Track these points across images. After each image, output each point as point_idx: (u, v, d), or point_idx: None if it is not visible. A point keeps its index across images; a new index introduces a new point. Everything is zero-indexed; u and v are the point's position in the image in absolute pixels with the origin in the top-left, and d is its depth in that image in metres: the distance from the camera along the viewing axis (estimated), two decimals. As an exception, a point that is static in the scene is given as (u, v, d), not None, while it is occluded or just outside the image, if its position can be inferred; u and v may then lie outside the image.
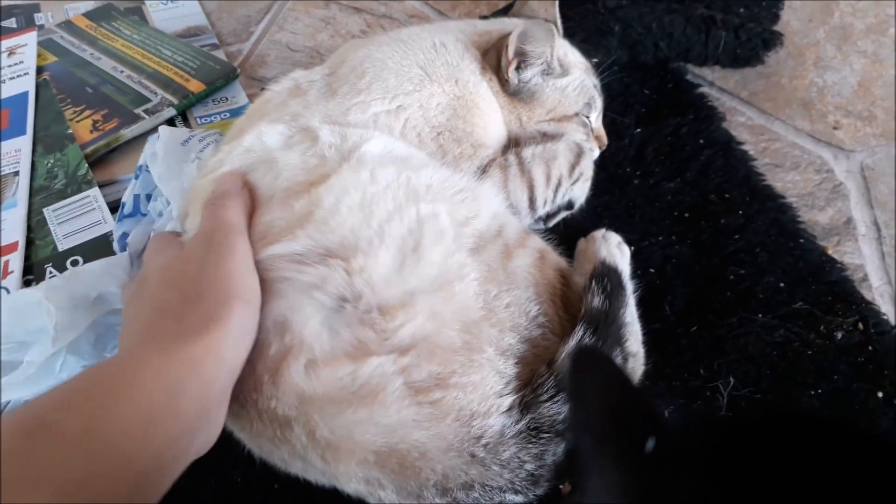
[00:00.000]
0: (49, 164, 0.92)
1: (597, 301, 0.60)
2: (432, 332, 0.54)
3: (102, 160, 0.95)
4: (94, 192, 0.88)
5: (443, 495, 0.52)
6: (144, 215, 0.78)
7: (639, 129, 0.96)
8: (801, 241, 0.82)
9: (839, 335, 0.74)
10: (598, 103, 0.84)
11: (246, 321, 0.51)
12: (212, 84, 1.04)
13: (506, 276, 0.58)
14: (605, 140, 0.86)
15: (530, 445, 0.52)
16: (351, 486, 0.54)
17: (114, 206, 0.86)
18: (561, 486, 0.55)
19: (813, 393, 0.70)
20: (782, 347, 0.73)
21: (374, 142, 0.63)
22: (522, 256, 0.61)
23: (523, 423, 0.53)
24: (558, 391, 0.53)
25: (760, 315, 0.76)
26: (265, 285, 0.54)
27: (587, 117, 0.82)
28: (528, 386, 0.55)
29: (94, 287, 0.68)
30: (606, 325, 0.58)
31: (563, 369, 0.54)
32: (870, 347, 0.73)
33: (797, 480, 0.27)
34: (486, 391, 0.53)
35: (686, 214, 0.86)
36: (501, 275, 0.58)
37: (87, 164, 0.91)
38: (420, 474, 0.51)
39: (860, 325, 0.74)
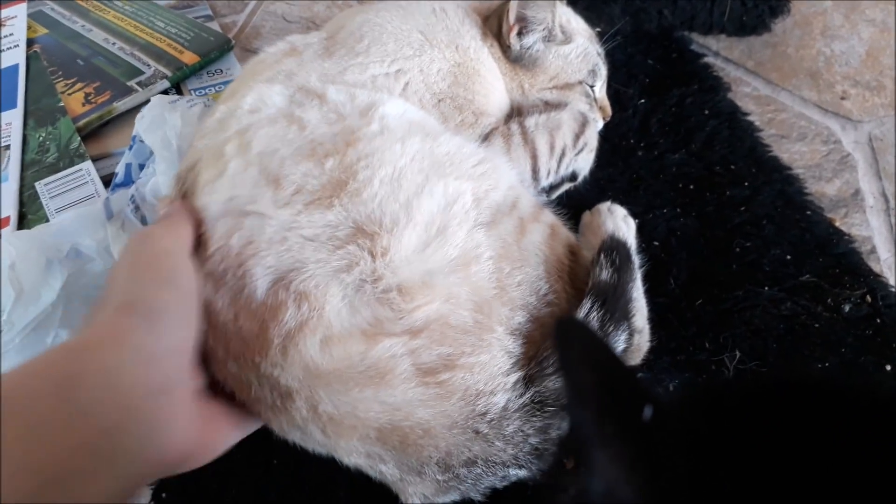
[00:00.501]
0: (41, 138, 0.90)
1: (605, 274, 0.58)
2: (446, 314, 0.52)
3: (95, 133, 0.93)
4: (87, 165, 0.86)
5: (444, 472, 0.51)
6: (136, 183, 0.77)
7: (643, 100, 0.94)
8: (808, 213, 0.81)
9: (847, 308, 0.72)
10: (603, 72, 0.82)
11: (170, 305, 0.48)
12: (206, 56, 1.02)
13: (519, 253, 0.57)
14: (608, 111, 0.84)
15: (534, 419, 0.52)
16: (351, 460, 0.53)
17: (107, 180, 0.84)
18: (565, 461, 0.54)
19: (820, 366, 0.69)
20: (789, 320, 0.72)
21: (391, 104, 0.62)
22: (535, 232, 0.59)
23: (527, 396, 0.52)
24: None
25: (767, 288, 0.74)
26: (293, 245, 0.52)
27: (591, 86, 0.80)
28: (534, 360, 0.54)
29: (66, 238, 0.67)
30: (615, 298, 0.57)
31: None
32: (878, 320, 0.71)
33: (805, 445, 0.26)
34: (494, 371, 0.52)
35: (691, 186, 0.85)
36: (515, 252, 0.57)
37: (79, 138, 0.89)
38: (422, 452, 0.51)
39: (868, 298, 0.73)
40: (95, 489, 0.39)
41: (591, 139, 0.78)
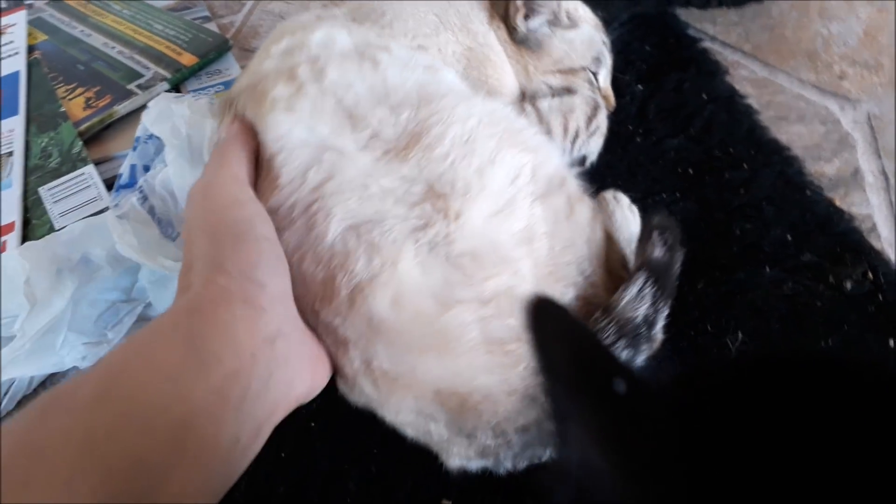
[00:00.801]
0: (43, 144, 0.91)
1: (658, 252, 0.58)
2: (513, 286, 0.53)
3: (97, 137, 0.94)
4: (89, 169, 0.87)
5: (497, 437, 0.52)
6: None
7: (640, 86, 0.94)
8: (808, 192, 0.81)
9: (849, 286, 0.72)
10: (607, 61, 0.82)
11: (257, 257, 0.49)
12: (204, 57, 1.02)
13: (569, 231, 0.58)
14: (612, 101, 0.84)
15: None
16: (398, 417, 0.54)
17: (109, 183, 0.85)
18: None
19: (823, 344, 0.69)
20: (791, 300, 0.72)
21: (446, 71, 0.63)
22: (582, 212, 0.60)
23: None
24: (619, 336, 0.53)
25: (768, 269, 0.74)
26: (374, 193, 0.52)
27: (594, 74, 0.80)
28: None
29: (76, 248, 0.68)
30: (667, 276, 0.57)
31: (624, 316, 0.54)
32: (880, 297, 0.71)
33: (796, 419, 0.26)
34: None
35: (690, 171, 0.85)
36: (565, 230, 0.58)
37: (81, 142, 0.90)
38: (481, 416, 0.51)
39: (870, 275, 0.73)
40: (227, 430, 0.42)
41: (602, 123, 0.79)
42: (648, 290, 0.55)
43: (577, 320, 0.31)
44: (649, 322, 0.55)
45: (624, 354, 0.53)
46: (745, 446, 0.25)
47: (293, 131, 0.55)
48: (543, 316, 0.31)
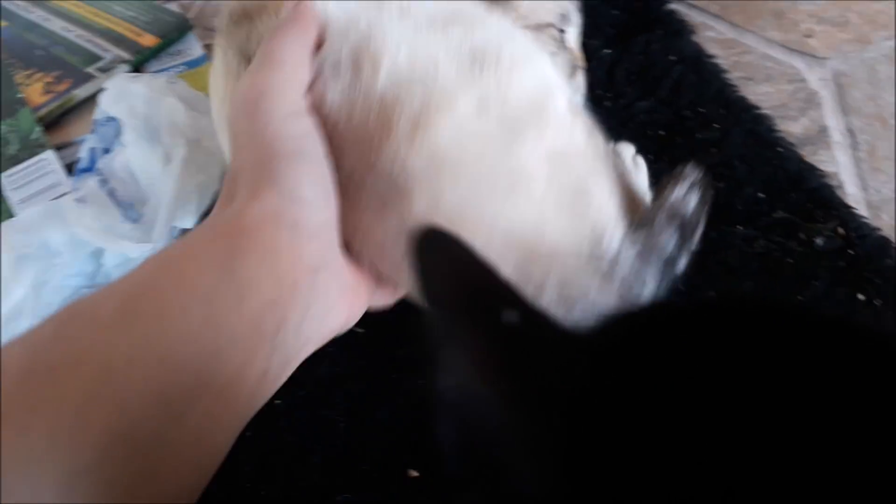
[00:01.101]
0: (2, 131, 0.89)
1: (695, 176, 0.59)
2: (570, 152, 0.52)
3: (57, 122, 0.92)
4: (49, 154, 0.85)
5: (561, 300, 0.50)
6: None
7: (608, 50, 0.93)
8: (780, 149, 0.81)
9: (820, 241, 0.72)
10: (575, 20, 0.81)
11: (308, 179, 0.44)
12: (165, 37, 1.00)
13: (593, 147, 0.56)
14: (580, 62, 0.83)
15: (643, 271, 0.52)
16: None
17: (70, 168, 0.83)
18: None
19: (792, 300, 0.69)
20: (763, 258, 0.72)
21: None
22: (599, 136, 0.59)
23: (636, 248, 0.52)
24: (667, 226, 0.53)
25: (740, 227, 0.74)
26: (419, 56, 0.50)
27: (562, 32, 0.79)
28: (638, 217, 0.55)
29: (33, 234, 0.67)
30: (706, 191, 0.58)
31: (675, 210, 0.54)
32: (850, 252, 0.72)
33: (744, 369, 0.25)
34: (613, 215, 0.53)
35: (661, 132, 0.84)
36: (599, 145, 0.57)
37: (39, 128, 0.88)
38: (549, 271, 0.49)
39: (840, 231, 0.73)
40: (257, 363, 0.39)
41: (581, 83, 0.78)
42: (694, 194, 0.56)
43: (471, 251, 0.29)
44: (693, 226, 0.55)
45: (670, 247, 0.53)
46: (661, 388, 0.23)
47: (328, 5, 0.51)
48: (432, 244, 0.30)
